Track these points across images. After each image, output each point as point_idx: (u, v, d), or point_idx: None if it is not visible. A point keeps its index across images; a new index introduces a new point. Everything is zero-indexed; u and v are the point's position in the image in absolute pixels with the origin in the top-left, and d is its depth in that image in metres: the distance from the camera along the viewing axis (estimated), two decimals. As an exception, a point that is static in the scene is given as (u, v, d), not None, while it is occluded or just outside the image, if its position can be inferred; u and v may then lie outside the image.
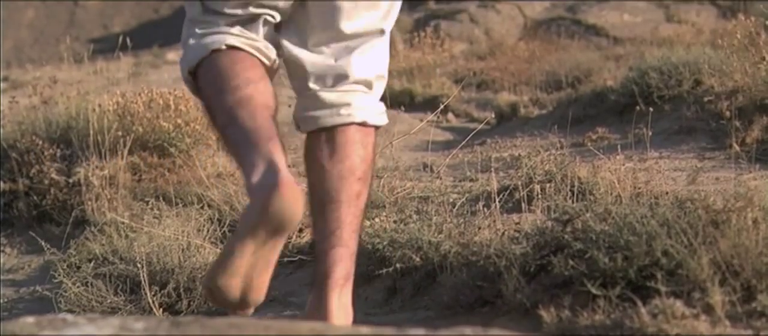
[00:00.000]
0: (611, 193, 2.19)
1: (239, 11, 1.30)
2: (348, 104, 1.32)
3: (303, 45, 1.33)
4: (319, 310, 1.30)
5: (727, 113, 2.89)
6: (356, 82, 1.33)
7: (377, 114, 1.36)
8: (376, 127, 1.36)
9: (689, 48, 4.62)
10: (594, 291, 1.35)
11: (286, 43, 1.33)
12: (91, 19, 14.42)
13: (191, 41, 1.32)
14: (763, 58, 2.98)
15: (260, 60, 1.31)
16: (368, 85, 1.34)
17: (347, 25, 1.30)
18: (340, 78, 1.32)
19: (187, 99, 2.93)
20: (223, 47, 1.28)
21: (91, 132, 2.82)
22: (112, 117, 2.89)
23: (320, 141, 1.33)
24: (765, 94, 3.01)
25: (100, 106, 2.94)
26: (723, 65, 3.23)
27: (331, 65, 1.32)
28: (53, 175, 2.80)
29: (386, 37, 1.36)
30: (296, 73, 1.35)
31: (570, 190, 2.26)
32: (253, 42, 1.31)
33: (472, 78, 4.89)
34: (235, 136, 1.25)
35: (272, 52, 1.33)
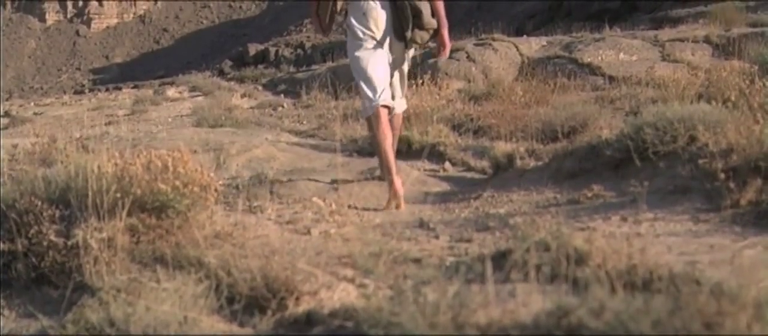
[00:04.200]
0: (606, 266, 2.20)
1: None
2: (393, 107, 3.76)
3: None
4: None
5: (722, 175, 2.91)
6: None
7: (402, 107, 3.97)
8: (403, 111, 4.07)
9: (684, 91, 4.62)
10: (587, 397, 1.35)
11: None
12: (93, 49, 14.51)
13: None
14: (757, 122, 3.01)
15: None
16: (400, 96, 3.93)
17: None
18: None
19: (185, 161, 2.95)
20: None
21: (90, 193, 2.82)
22: (110, 179, 2.90)
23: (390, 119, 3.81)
24: (759, 155, 3.02)
25: (99, 167, 2.95)
26: (717, 125, 3.25)
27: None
28: (52, 238, 2.80)
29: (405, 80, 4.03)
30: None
31: (566, 260, 2.27)
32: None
33: (470, 124, 4.91)
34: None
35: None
